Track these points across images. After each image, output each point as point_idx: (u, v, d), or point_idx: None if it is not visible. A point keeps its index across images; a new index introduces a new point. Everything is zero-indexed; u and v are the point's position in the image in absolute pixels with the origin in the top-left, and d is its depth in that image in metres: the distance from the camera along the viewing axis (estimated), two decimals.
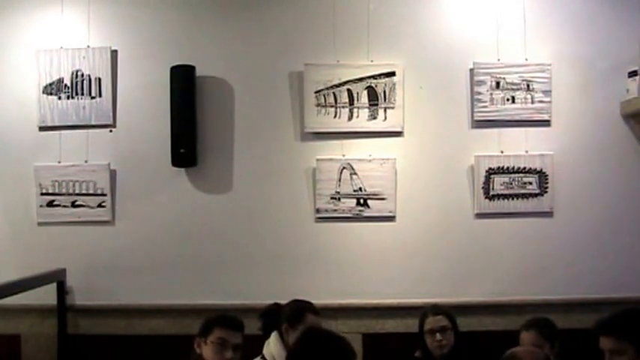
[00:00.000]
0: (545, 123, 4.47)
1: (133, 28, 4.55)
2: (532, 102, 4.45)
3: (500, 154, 4.44)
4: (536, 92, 4.45)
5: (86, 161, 4.50)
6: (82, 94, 4.51)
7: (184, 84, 4.40)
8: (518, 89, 4.45)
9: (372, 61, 4.46)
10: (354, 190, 4.43)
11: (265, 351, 3.51)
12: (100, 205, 4.49)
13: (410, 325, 4.18)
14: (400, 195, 4.44)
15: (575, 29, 4.52)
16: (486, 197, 4.44)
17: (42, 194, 4.49)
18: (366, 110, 4.44)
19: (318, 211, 4.44)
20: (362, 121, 4.44)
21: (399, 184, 4.45)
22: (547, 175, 4.44)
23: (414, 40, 4.50)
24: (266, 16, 4.53)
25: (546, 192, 4.45)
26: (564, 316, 4.25)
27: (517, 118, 4.46)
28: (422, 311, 3.91)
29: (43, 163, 4.50)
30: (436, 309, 3.84)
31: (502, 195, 4.44)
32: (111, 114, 4.50)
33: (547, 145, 4.47)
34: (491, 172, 4.43)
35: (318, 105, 4.44)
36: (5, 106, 4.56)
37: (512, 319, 4.19)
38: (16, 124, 4.54)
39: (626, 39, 4.46)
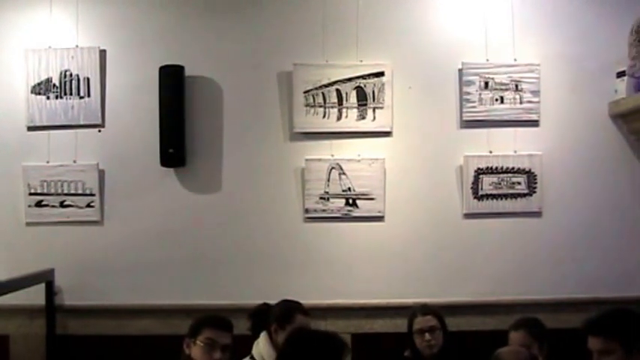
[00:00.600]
0: (534, 123, 4.48)
1: (121, 28, 4.54)
2: (521, 102, 4.46)
3: (489, 154, 4.45)
4: (525, 92, 4.46)
5: (75, 161, 4.49)
6: (71, 93, 4.50)
7: (173, 84, 4.39)
8: (506, 89, 4.46)
9: (361, 61, 4.46)
10: (343, 190, 4.43)
11: (254, 351, 3.51)
12: (88, 205, 4.48)
13: (399, 325, 4.18)
14: (389, 195, 4.44)
15: (564, 30, 4.53)
16: (475, 197, 4.45)
17: (30, 194, 4.48)
18: (355, 110, 4.44)
19: (307, 211, 4.44)
20: (351, 121, 4.44)
21: (388, 184, 4.45)
22: (536, 175, 4.45)
23: (402, 40, 4.50)
24: (255, 16, 4.52)
25: (535, 192, 4.45)
26: (553, 315, 4.26)
27: (506, 118, 4.46)
28: (411, 311, 3.91)
29: (32, 163, 4.49)
30: (425, 309, 3.84)
31: (491, 195, 4.45)
32: (99, 114, 4.49)
33: (536, 145, 4.48)
34: (480, 172, 4.44)
35: (307, 105, 4.44)
36: None
37: (501, 319, 4.20)
38: (4, 123, 4.53)
39: (614, 39, 4.46)
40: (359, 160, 4.43)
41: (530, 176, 4.45)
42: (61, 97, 4.50)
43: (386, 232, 4.45)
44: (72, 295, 4.46)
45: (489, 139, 4.46)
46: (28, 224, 4.50)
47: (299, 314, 3.54)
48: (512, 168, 4.45)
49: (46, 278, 4.36)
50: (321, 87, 4.44)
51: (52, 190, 4.48)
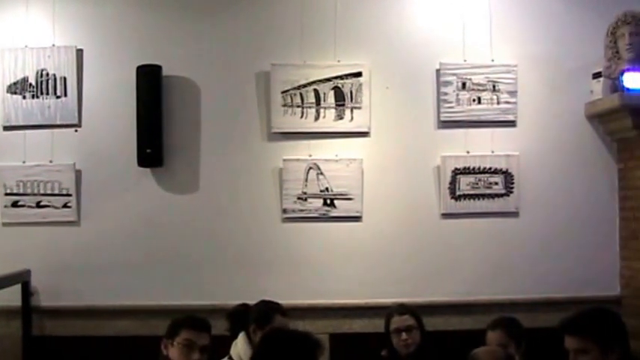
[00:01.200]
0: (511, 123, 4.50)
1: (98, 27, 4.52)
2: (498, 103, 4.48)
3: (466, 154, 4.46)
4: (502, 93, 4.48)
5: (51, 161, 4.45)
6: (47, 93, 4.47)
7: (150, 84, 4.38)
8: (484, 90, 4.48)
9: (338, 61, 4.46)
10: (321, 191, 4.43)
11: (232, 351, 3.51)
12: (65, 206, 4.45)
13: (377, 325, 4.17)
14: (367, 195, 4.45)
15: (541, 31, 4.56)
16: (452, 197, 4.46)
17: (6, 194, 4.45)
18: (333, 110, 4.45)
19: (284, 211, 4.44)
20: (328, 121, 4.45)
21: (366, 185, 4.46)
22: (513, 176, 4.47)
23: (380, 40, 4.51)
24: (233, 16, 4.51)
25: (512, 192, 4.48)
26: (530, 315, 4.28)
27: (483, 118, 4.48)
28: (388, 310, 3.91)
29: (8, 163, 4.46)
30: (402, 308, 3.85)
31: (468, 195, 4.47)
32: (76, 114, 4.47)
33: (513, 145, 4.51)
34: (457, 173, 4.45)
35: (284, 105, 4.43)
36: None
37: (479, 319, 4.21)
38: None
39: (590, 40, 4.49)
40: (337, 161, 4.44)
41: (508, 176, 4.47)
42: (38, 97, 4.47)
43: (364, 232, 4.46)
44: (48, 296, 4.43)
45: (467, 139, 4.47)
46: (4, 225, 4.46)
47: (278, 315, 3.54)
48: (490, 168, 4.47)
49: (23, 279, 4.33)
50: (298, 87, 4.44)
51: (29, 191, 4.45)
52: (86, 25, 4.52)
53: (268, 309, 3.58)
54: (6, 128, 4.48)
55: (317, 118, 4.45)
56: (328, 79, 4.45)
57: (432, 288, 4.45)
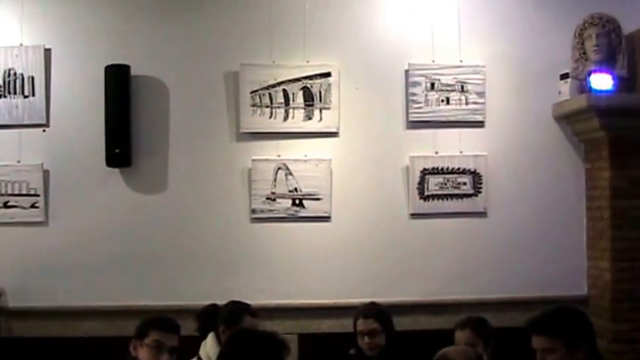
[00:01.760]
0: (479, 124, 4.53)
1: (67, 27, 4.50)
2: (466, 103, 4.50)
3: (434, 154, 4.48)
4: (471, 94, 4.50)
5: (19, 161, 4.42)
6: (15, 93, 4.43)
7: (119, 83, 4.36)
8: (452, 90, 4.50)
9: (307, 61, 4.47)
10: (290, 191, 4.43)
11: (201, 352, 3.51)
12: (33, 206, 4.42)
13: (346, 325, 4.14)
14: (335, 195, 4.46)
15: (509, 32, 4.59)
16: (421, 197, 4.48)
17: None
18: (302, 111, 4.45)
19: (253, 211, 4.44)
20: (297, 121, 4.45)
21: (335, 185, 4.46)
22: (481, 176, 4.50)
23: (349, 41, 4.52)
24: (202, 16, 4.51)
25: (480, 192, 4.50)
26: (498, 314, 4.30)
27: (451, 119, 4.50)
28: (356, 310, 3.90)
29: None
30: (366, 312, 3.79)
31: (437, 195, 4.49)
32: (44, 113, 4.44)
33: (481, 145, 4.53)
34: (425, 173, 4.47)
35: (253, 105, 4.43)
36: None
37: (447, 318, 4.22)
38: None
39: (558, 42, 4.53)
40: (305, 161, 4.44)
41: (476, 176, 4.49)
42: (5, 97, 4.44)
43: (332, 232, 4.47)
44: (16, 297, 4.40)
45: (435, 139, 4.49)
46: None
47: (247, 315, 3.53)
48: (458, 168, 4.49)
49: None
50: (267, 87, 4.44)
51: None
52: (54, 24, 4.49)
53: (237, 309, 3.57)
54: None
55: (286, 118, 4.45)
56: (297, 80, 4.45)
57: (401, 288, 4.46)
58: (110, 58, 4.39)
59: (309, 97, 4.45)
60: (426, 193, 4.48)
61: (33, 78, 4.44)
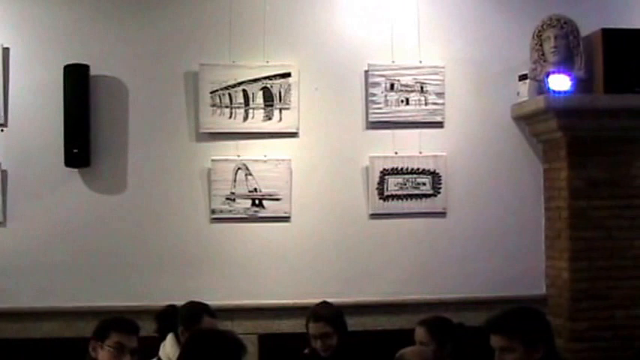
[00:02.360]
0: (439, 124, 4.55)
1: (25, 26, 4.46)
2: (426, 104, 4.52)
3: (394, 155, 4.50)
4: (430, 94, 4.52)
5: None
6: None
7: (78, 83, 4.34)
8: (412, 91, 4.51)
9: (267, 61, 4.47)
10: (250, 191, 4.43)
11: (161, 353, 3.50)
12: None
13: None
14: (295, 195, 4.46)
15: (468, 33, 4.62)
16: (381, 198, 4.49)
17: None
18: (262, 111, 4.45)
19: (213, 211, 4.43)
20: (257, 121, 4.45)
21: (294, 185, 4.46)
22: (440, 176, 4.52)
23: (309, 41, 4.53)
24: (161, 16, 4.49)
25: (439, 192, 4.52)
26: (457, 314, 4.25)
27: (411, 119, 4.52)
28: (308, 312, 3.90)
29: None
30: (316, 316, 3.72)
31: (396, 195, 4.50)
32: (2, 113, 4.39)
33: (440, 146, 4.55)
34: (385, 173, 4.48)
35: (213, 105, 4.42)
36: None
37: (407, 318, 4.25)
38: None
39: (517, 43, 4.56)
40: (265, 161, 4.44)
41: (435, 177, 4.51)
42: None
43: (292, 232, 4.47)
44: None
45: (395, 140, 4.51)
46: None
47: (206, 316, 3.54)
48: (417, 169, 4.50)
49: None
50: (227, 87, 4.43)
51: None
52: (13, 23, 4.45)
53: (196, 310, 3.57)
54: None
55: (245, 118, 4.44)
56: (257, 80, 4.45)
57: (361, 288, 4.47)
58: (69, 58, 4.36)
59: (268, 98, 4.45)
60: (386, 194, 4.49)
61: None
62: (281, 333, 4.42)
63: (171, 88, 4.47)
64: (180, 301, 3.72)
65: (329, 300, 4.10)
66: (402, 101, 4.51)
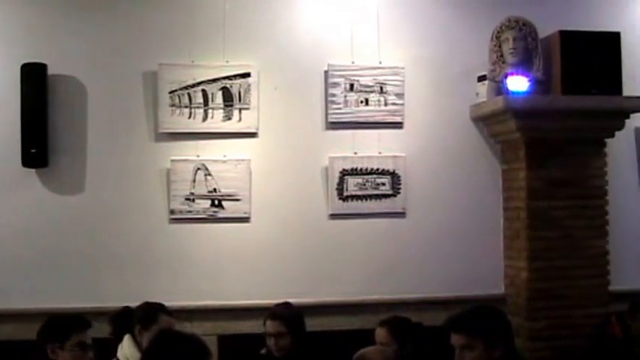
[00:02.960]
0: (398, 125, 4.57)
1: None
2: (385, 104, 4.54)
3: (354, 155, 4.51)
4: (390, 95, 4.54)
5: None
6: None
7: (35, 82, 4.29)
8: (371, 91, 4.53)
9: (227, 61, 4.45)
10: (209, 191, 4.41)
11: (119, 354, 3.49)
12: None
13: None
14: (255, 196, 4.45)
15: (428, 34, 4.65)
16: (340, 198, 4.50)
17: None
18: (221, 111, 4.44)
19: (172, 212, 4.40)
20: (217, 121, 4.43)
21: (254, 185, 4.46)
22: (400, 176, 4.53)
23: (269, 41, 4.53)
24: (120, 15, 4.46)
25: (399, 193, 4.54)
26: (418, 314, 4.30)
27: (371, 120, 4.53)
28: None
29: None
30: (274, 314, 3.77)
31: (356, 196, 4.51)
32: None
33: (400, 146, 4.57)
34: (345, 174, 4.49)
35: (172, 105, 4.40)
36: None
37: (367, 319, 4.27)
38: None
39: (476, 44, 4.60)
40: (225, 161, 4.42)
41: (395, 177, 4.53)
42: None
43: (252, 232, 4.46)
44: None
45: (354, 140, 4.52)
46: None
47: (162, 314, 3.54)
48: (377, 169, 4.52)
49: None
50: (186, 87, 4.41)
51: None
52: None
53: (152, 309, 3.58)
54: None
55: (205, 118, 4.43)
56: (216, 80, 4.43)
57: (321, 288, 4.47)
58: (26, 57, 4.31)
59: (228, 98, 4.44)
60: (345, 194, 4.49)
61: None
62: (241, 334, 4.40)
63: (130, 87, 4.44)
64: (138, 303, 3.69)
65: (289, 300, 4.13)
66: (362, 102, 4.52)
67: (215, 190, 4.41)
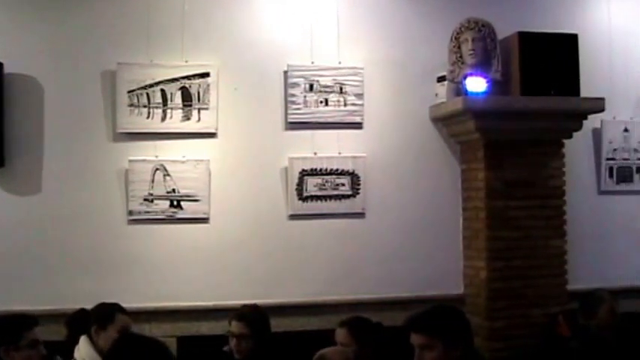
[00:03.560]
0: (358, 125, 4.58)
1: None
2: (345, 105, 4.54)
3: (313, 155, 4.51)
4: (349, 95, 4.55)
5: None
6: None
7: None
8: (331, 92, 4.53)
9: (186, 61, 4.43)
10: (168, 192, 4.39)
11: (76, 355, 3.46)
12: None
13: (226, 327, 4.06)
14: (214, 196, 4.44)
15: (388, 34, 4.66)
16: (300, 198, 4.49)
17: None
18: (180, 111, 4.41)
19: (130, 213, 4.37)
20: (175, 121, 4.41)
21: (213, 186, 4.44)
22: (359, 177, 4.54)
23: (228, 41, 4.51)
24: (78, 14, 4.42)
25: (358, 193, 4.55)
26: (378, 314, 4.29)
27: (330, 120, 4.54)
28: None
29: None
30: (240, 315, 3.73)
31: (315, 196, 4.51)
32: None
33: (359, 147, 4.58)
34: (304, 174, 4.49)
35: (130, 105, 4.37)
36: None
37: (327, 319, 4.27)
38: None
39: (435, 44, 4.62)
40: (184, 162, 4.40)
41: (354, 177, 4.53)
42: None
43: (211, 233, 4.44)
44: None
45: (314, 140, 4.52)
46: None
47: (119, 313, 3.54)
48: (337, 169, 4.52)
49: None
50: (145, 87, 4.38)
51: None
52: None
53: (108, 308, 3.57)
54: None
55: (164, 118, 4.40)
56: (175, 80, 4.41)
57: (281, 289, 4.46)
58: None
59: (187, 98, 4.42)
60: (305, 194, 4.49)
61: None
62: (200, 335, 4.39)
63: (88, 87, 4.40)
64: (95, 304, 3.66)
65: (248, 302, 4.12)
66: (322, 102, 4.52)
67: (174, 190, 4.39)
